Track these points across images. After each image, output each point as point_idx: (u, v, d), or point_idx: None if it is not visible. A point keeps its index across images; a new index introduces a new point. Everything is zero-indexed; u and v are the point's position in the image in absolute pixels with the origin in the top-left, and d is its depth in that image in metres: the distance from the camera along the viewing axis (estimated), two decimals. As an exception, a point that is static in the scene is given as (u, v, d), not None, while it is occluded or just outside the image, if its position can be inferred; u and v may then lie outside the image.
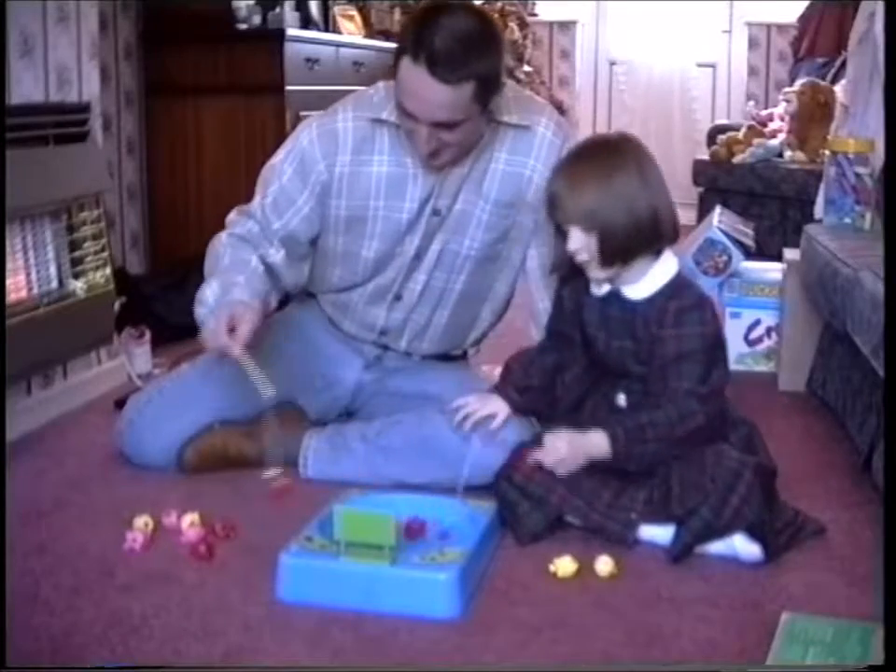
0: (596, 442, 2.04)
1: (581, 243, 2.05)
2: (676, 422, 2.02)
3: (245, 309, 2.22)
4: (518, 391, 2.22)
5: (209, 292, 2.28)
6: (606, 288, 2.13)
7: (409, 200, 2.32)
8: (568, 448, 2.05)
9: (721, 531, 1.98)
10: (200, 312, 2.29)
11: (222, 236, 2.39)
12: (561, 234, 2.10)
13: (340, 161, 2.32)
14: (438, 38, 2.07)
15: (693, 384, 2.04)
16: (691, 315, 2.06)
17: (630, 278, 2.10)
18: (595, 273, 2.09)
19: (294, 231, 2.37)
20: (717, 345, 2.10)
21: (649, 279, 2.09)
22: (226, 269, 2.31)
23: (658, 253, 2.10)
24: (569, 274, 2.18)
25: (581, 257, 2.07)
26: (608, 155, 2.08)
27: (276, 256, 2.38)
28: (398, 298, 2.43)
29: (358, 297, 2.45)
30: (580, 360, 2.21)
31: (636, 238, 2.04)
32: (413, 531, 1.99)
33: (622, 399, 2.14)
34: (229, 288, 2.26)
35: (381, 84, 2.37)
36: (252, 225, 2.38)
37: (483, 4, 5.50)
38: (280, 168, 2.37)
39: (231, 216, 2.44)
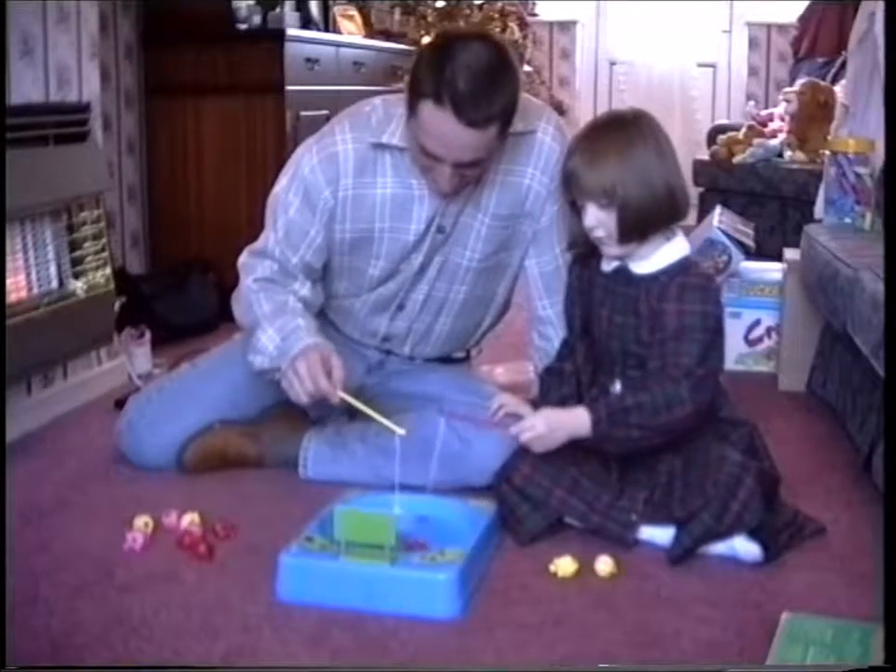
0: (578, 420, 2.03)
1: (598, 219, 2.04)
2: (662, 408, 2.00)
3: (330, 352, 2.19)
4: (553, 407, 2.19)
5: (266, 340, 2.24)
6: (615, 264, 2.13)
7: (415, 221, 2.29)
8: (546, 425, 2.04)
9: (722, 535, 1.98)
10: (258, 360, 2.26)
11: (247, 283, 2.33)
12: (576, 211, 2.10)
13: (343, 186, 2.26)
14: (461, 80, 2.00)
15: (691, 362, 2.01)
16: (694, 293, 2.05)
17: (641, 255, 2.09)
18: (612, 249, 2.09)
19: (310, 261, 2.32)
20: (717, 330, 2.08)
21: (658, 256, 2.09)
22: (273, 314, 2.26)
23: (671, 231, 2.10)
24: (584, 252, 2.18)
25: (598, 233, 2.06)
26: (625, 130, 2.06)
27: (304, 289, 2.33)
28: (400, 308, 2.42)
29: (361, 305, 2.44)
30: (578, 348, 2.22)
31: (653, 213, 2.04)
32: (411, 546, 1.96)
33: (618, 387, 2.14)
34: (291, 333, 2.22)
35: (378, 102, 2.30)
36: (271, 264, 2.32)
37: (483, 4, 5.50)
38: (286, 199, 2.30)
39: (244, 258, 2.37)
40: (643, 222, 2.04)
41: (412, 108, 2.09)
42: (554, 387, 2.23)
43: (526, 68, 5.84)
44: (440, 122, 2.04)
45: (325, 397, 2.16)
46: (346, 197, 2.28)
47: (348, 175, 2.26)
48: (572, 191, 2.09)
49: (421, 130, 2.09)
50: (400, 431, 2.08)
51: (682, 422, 2.02)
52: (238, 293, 2.37)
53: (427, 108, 2.04)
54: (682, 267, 2.09)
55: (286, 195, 2.30)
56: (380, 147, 2.25)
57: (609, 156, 2.03)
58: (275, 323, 2.25)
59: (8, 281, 2.55)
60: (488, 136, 2.07)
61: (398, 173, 2.27)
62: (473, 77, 2.01)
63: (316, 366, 2.15)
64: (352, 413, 2.53)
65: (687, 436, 2.07)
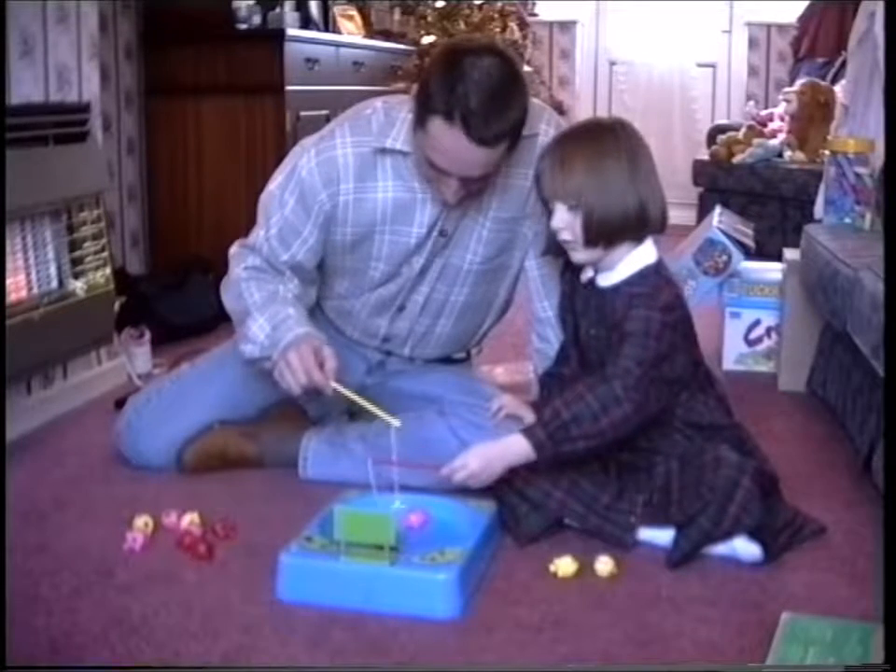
0: (515, 449, 1.99)
1: (564, 222, 2.04)
2: (598, 412, 1.97)
3: (321, 342, 2.18)
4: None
5: (256, 329, 2.23)
6: (589, 274, 2.13)
7: (417, 225, 2.28)
8: (480, 462, 2.00)
9: (720, 539, 1.98)
10: (249, 349, 2.25)
11: (236, 271, 2.32)
12: (549, 213, 2.09)
13: (343, 190, 2.25)
14: (473, 98, 1.98)
15: (627, 363, 1.98)
16: (640, 299, 2.04)
17: (608, 265, 2.09)
18: (578, 254, 2.09)
19: (301, 261, 2.31)
20: (663, 336, 2.01)
21: (622, 267, 2.08)
22: (263, 303, 2.26)
23: (641, 241, 2.09)
24: (568, 259, 2.18)
25: (564, 236, 2.06)
26: (600, 138, 2.06)
27: (291, 284, 2.32)
28: (400, 309, 2.41)
29: (361, 306, 2.43)
30: (572, 354, 2.21)
31: (620, 224, 2.03)
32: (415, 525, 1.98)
33: None
34: (282, 322, 2.21)
35: (378, 105, 2.28)
36: (257, 257, 2.31)
37: (483, 4, 5.50)
38: (280, 197, 2.28)
39: (234, 249, 2.36)
40: (609, 230, 2.03)
41: (420, 122, 2.07)
42: (555, 391, 2.22)
43: (526, 68, 5.85)
44: (450, 139, 2.02)
45: (318, 388, 2.16)
46: (347, 201, 2.26)
47: (349, 180, 2.25)
48: (542, 190, 2.09)
49: (429, 144, 2.08)
50: (395, 423, 2.09)
51: (625, 421, 1.98)
52: (227, 281, 2.35)
53: (437, 125, 2.03)
54: (641, 276, 2.08)
55: (281, 193, 2.28)
56: (382, 151, 2.24)
57: (578, 161, 2.03)
58: (266, 312, 2.24)
59: (8, 281, 2.55)
60: (498, 153, 2.07)
61: (399, 176, 2.26)
62: (485, 95, 1.99)
63: (308, 357, 2.15)
64: (352, 413, 2.54)
65: (659, 434, 2.08)
